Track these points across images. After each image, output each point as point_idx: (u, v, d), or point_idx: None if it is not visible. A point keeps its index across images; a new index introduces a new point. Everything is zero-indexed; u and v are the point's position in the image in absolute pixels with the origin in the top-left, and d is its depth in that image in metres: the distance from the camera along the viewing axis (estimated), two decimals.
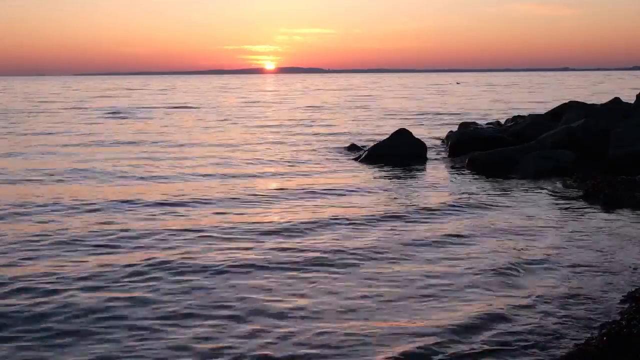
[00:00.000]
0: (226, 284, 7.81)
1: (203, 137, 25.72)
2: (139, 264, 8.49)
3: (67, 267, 8.41)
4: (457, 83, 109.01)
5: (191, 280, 7.92)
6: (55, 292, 7.47)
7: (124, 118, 36.10)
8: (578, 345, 6.01)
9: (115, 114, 39.25)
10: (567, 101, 22.83)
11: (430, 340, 6.20)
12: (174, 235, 10.03)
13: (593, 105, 21.30)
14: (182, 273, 8.17)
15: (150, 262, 8.58)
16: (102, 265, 8.45)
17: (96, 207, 12.07)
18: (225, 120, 34.82)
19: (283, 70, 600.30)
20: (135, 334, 6.36)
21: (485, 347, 6.11)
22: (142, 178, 15.54)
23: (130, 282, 7.87)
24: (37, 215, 11.39)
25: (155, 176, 15.81)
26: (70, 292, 7.46)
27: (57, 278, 7.93)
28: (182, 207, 12.12)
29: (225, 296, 7.40)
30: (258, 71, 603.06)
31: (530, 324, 6.59)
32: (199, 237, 9.93)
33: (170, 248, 9.35)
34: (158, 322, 6.65)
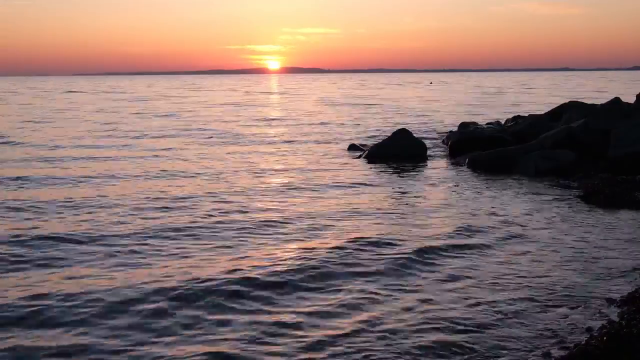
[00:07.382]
0: None
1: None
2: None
3: None
4: (430, 83, 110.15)
5: None
6: None
7: None
8: (578, 346, 6.00)
9: None
10: (567, 101, 22.80)
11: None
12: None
13: (593, 105, 21.27)
14: None
15: None
16: None
17: None
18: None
19: (286, 70, 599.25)
20: None
21: (483, 346, 6.11)
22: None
23: None
24: None
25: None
26: None
27: None
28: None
29: None
30: (261, 71, 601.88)
31: (529, 325, 6.59)
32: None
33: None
34: None
